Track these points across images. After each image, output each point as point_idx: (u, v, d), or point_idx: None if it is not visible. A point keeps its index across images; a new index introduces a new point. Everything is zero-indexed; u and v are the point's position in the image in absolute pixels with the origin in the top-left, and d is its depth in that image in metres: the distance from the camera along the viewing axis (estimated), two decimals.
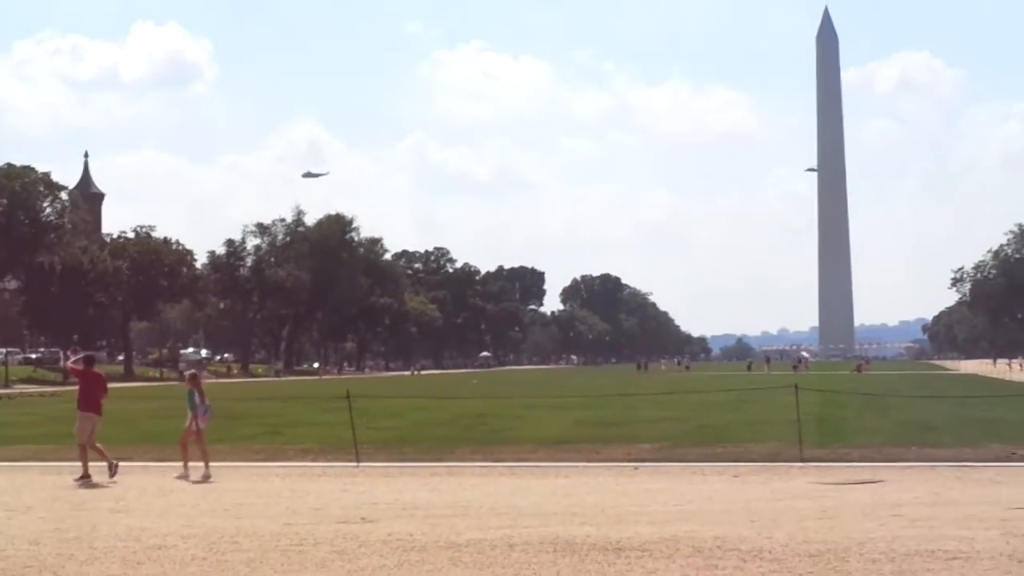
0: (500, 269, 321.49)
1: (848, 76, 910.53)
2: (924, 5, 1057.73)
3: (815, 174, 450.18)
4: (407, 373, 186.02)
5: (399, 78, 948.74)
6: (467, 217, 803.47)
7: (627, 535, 17.48)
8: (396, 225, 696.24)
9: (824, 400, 51.85)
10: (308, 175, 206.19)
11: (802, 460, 28.05)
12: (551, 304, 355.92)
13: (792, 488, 23.59)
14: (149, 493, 24.21)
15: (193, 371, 33.26)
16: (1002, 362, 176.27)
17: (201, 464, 28.04)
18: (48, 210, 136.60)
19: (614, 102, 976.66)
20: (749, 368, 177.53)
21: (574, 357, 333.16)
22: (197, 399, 29.00)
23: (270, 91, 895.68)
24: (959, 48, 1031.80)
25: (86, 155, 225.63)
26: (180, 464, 28.40)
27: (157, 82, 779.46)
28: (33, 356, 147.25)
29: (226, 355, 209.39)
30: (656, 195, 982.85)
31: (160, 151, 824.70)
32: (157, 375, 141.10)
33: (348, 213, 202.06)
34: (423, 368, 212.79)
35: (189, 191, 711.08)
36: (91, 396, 28.16)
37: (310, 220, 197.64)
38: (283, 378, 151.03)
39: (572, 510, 20.64)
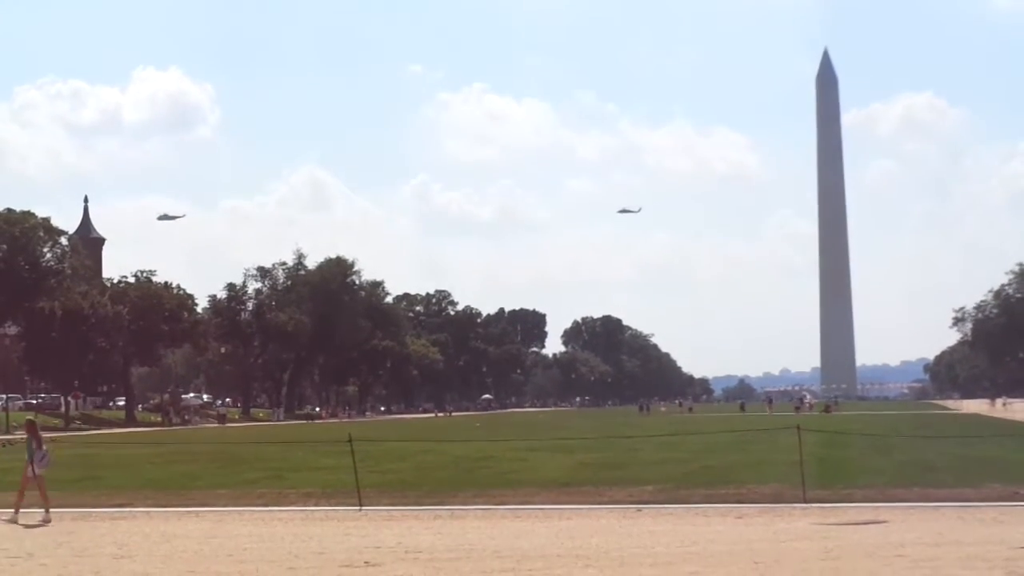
0: (501, 311, 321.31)
1: (850, 117, 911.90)
2: (926, 46, 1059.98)
3: (815, 218, 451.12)
4: (432, 415, 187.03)
5: (402, 120, 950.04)
6: (470, 258, 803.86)
7: None
8: (399, 267, 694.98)
9: (826, 441, 51.78)
10: (164, 217, 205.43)
11: (805, 501, 28.03)
12: (553, 346, 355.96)
13: (795, 529, 23.58)
14: (152, 539, 24.16)
15: (30, 418, 33.80)
16: (998, 401, 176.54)
17: (41, 510, 28.35)
18: (48, 255, 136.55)
19: (617, 143, 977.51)
20: (742, 409, 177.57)
21: (578, 399, 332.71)
22: (34, 446, 29.23)
23: (272, 135, 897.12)
24: (962, 88, 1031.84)
25: (86, 200, 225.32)
26: (12, 510, 28.45)
27: (159, 127, 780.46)
28: (34, 402, 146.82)
29: (227, 400, 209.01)
30: (658, 236, 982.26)
31: (162, 195, 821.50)
32: (158, 420, 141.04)
33: (350, 256, 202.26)
34: (453, 410, 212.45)
35: (190, 236, 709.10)
36: None
37: (312, 263, 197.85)
38: (285, 422, 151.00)
39: (576, 553, 20.63)
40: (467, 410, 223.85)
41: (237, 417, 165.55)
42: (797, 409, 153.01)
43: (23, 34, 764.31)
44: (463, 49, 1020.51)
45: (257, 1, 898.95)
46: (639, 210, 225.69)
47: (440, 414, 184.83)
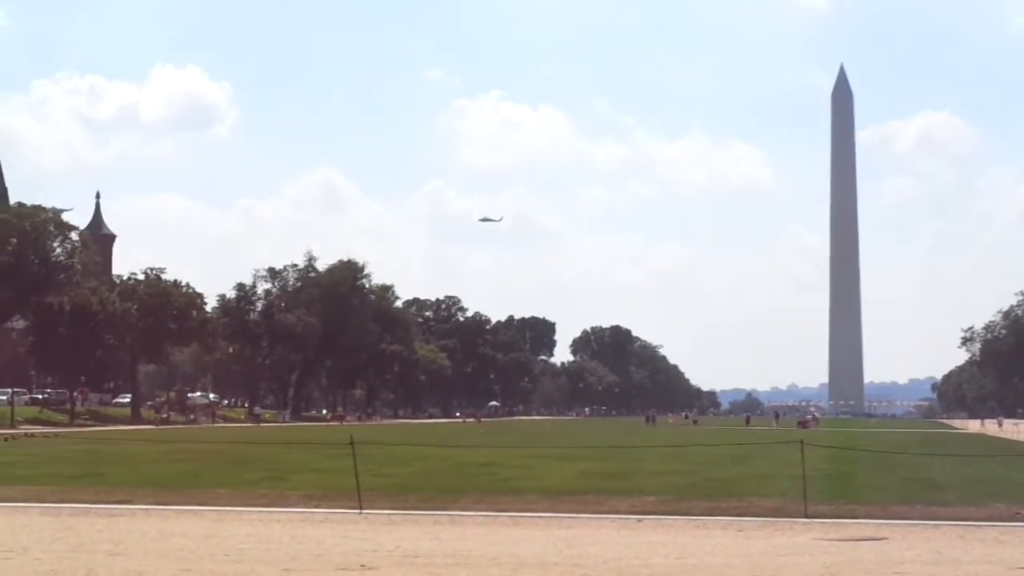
0: (511, 319, 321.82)
1: (867, 134, 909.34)
2: (946, 65, 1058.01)
3: (827, 233, 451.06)
4: (459, 419, 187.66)
5: (418, 126, 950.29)
6: (481, 265, 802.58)
7: None
8: (410, 272, 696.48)
9: (830, 456, 51.61)
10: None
11: (806, 516, 27.90)
12: (561, 355, 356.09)
13: (795, 543, 23.47)
14: (149, 536, 24.08)
15: None
16: (991, 422, 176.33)
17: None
18: (58, 250, 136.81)
19: (632, 153, 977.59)
20: (747, 422, 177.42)
21: (587, 409, 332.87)
22: None
23: (288, 136, 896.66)
24: (979, 108, 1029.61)
25: (97, 196, 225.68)
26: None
27: (175, 124, 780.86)
28: (40, 397, 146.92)
29: (232, 400, 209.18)
30: (670, 247, 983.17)
31: (176, 193, 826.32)
32: (164, 417, 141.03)
33: (360, 259, 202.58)
34: (484, 415, 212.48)
35: (203, 234, 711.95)
36: None
37: (323, 266, 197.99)
38: (290, 423, 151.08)
39: (574, 561, 20.55)
40: (492, 415, 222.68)
41: (242, 417, 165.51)
42: (803, 425, 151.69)
43: (41, 29, 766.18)
44: (481, 56, 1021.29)
45: (278, 2, 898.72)
46: (500, 219, 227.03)
47: (470, 420, 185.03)
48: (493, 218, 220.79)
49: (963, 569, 19.82)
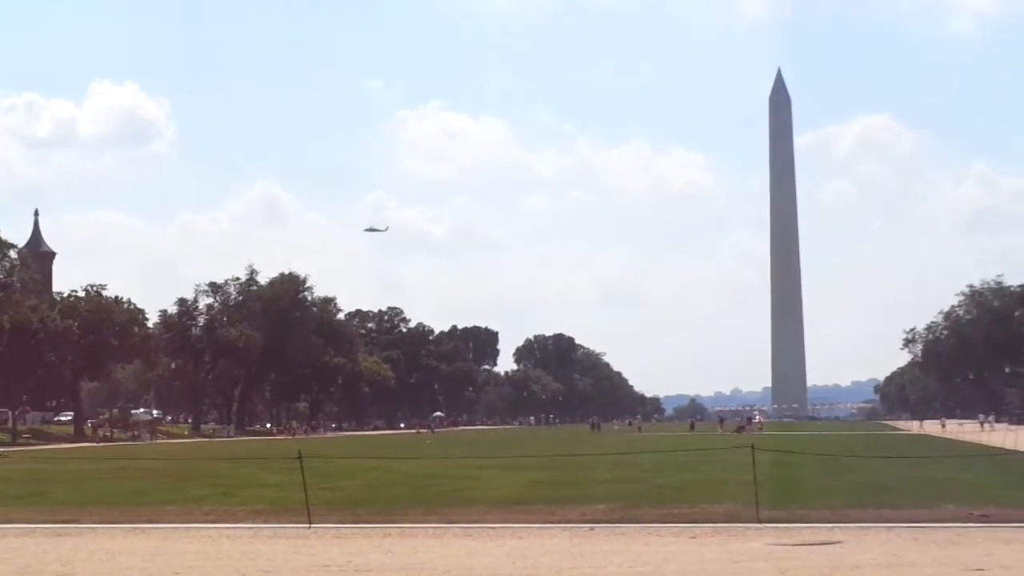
0: (454, 329, 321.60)
1: (806, 138, 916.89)
2: (883, 69, 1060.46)
3: (768, 238, 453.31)
4: (413, 431, 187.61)
5: (359, 137, 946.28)
6: (424, 276, 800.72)
7: None
8: (353, 284, 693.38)
9: (779, 461, 51.71)
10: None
11: (759, 521, 27.84)
12: (505, 364, 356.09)
13: (749, 550, 23.38)
14: (96, 556, 23.75)
15: None
16: (930, 423, 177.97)
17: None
18: None
19: (573, 162, 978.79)
20: (692, 428, 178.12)
21: (532, 418, 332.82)
22: None
23: (228, 150, 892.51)
24: (917, 111, 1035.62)
25: (36, 213, 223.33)
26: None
27: (114, 141, 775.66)
28: None
29: (176, 416, 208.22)
30: (613, 255, 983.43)
31: (115, 209, 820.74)
32: (109, 435, 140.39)
33: (302, 272, 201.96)
34: (436, 426, 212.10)
35: (144, 250, 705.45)
36: None
37: (265, 279, 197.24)
38: (234, 438, 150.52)
39: (527, 572, 20.41)
40: (440, 426, 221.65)
41: (186, 433, 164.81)
42: (741, 429, 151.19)
43: None
44: (422, 67, 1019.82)
45: (215, 17, 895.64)
46: (386, 229, 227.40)
47: (423, 431, 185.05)
48: (379, 228, 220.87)
49: (919, 571, 19.80)
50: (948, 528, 26.47)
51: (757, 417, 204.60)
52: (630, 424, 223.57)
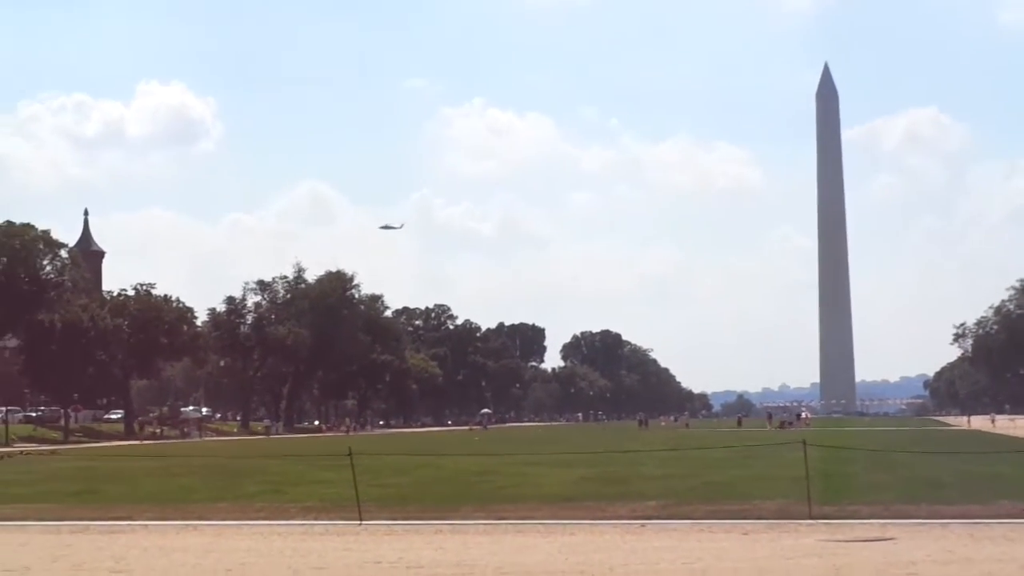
0: (501, 326, 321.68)
1: (853, 132, 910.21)
2: (931, 62, 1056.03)
3: (815, 233, 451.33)
4: (466, 428, 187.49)
5: (404, 135, 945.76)
6: (470, 273, 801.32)
7: None
8: (399, 282, 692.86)
9: (829, 456, 51.44)
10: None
11: (811, 517, 27.68)
12: (552, 360, 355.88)
13: (802, 546, 23.26)
14: (149, 553, 23.83)
15: None
16: (979, 419, 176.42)
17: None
18: (48, 268, 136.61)
19: (619, 157, 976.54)
20: (739, 424, 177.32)
21: (579, 415, 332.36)
22: None
23: (274, 149, 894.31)
24: (966, 104, 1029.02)
25: (86, 213, 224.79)
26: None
27: (162, 140, 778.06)
28: (33, 414, 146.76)
29: (225, 413, 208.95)
30: (659, 250, 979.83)
31: (164, 208, 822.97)
32: (159, 432, 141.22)
33: (349, 270, 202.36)
34: (487, 423, 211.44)
35: (192, 249, 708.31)
36: None
37: (312, 277, 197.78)
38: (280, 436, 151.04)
39: (579, 568, 20.34)
40: (488, 423, 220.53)
41: (235, 430, 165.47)
42: (790, 425, 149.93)
43: (26, 49, 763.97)
44: (465, 64, 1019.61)
45: (261, 16, 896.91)
46: (401, 226, 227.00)
47: (476, 427, 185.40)
48: (394, 225, 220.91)
49: (976, 568, 19.63)
50: (1003, 524, 26.26)
51: (804, 413, 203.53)
52: (675, 420, 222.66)
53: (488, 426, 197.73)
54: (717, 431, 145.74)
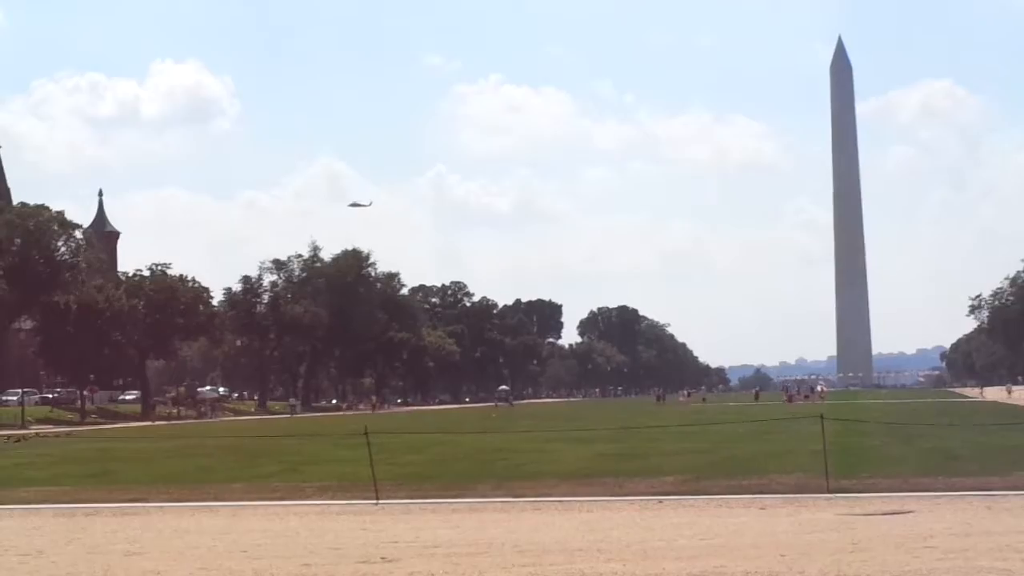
0: (518, 302, 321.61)
1: (868, 105, 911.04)
2: (947, 34, 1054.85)
3: (831, 206, 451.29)
4: (491, 405, 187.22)
5: (419, 112, 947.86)
6: (487, 250, 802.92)
7: (654, 571, 17.09)
8: (415, 259, 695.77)
9: (845, 429, 51.28)
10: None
11: (829, 491, 27.56)
12: (569, 336, 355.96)
13: (821, 520, 23.14)
14: (165, 535, 23.72)
15: None
16: (992, 390, 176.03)
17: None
18: (63, 249, 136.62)
19: (635, 132, 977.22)
20: (756, 398, 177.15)
21: (596, 390, 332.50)
22: None
23: (290, 127, 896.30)
24: (981, 75, 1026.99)
25: (100, 193, 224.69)
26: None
27: (177, 119, 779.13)
28: (50, 396, 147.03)
29: (242, 393, 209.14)
30: (675, 225, 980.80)
31: (179, 188, 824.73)
32: (175, 413, 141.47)
33: (365, 248, 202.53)
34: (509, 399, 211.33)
35: (208, 228, 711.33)
36: None
37: (328, 255, 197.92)
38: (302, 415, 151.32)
39: (597, 546, 20.19)
40: (506, 400, 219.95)
41: (252, 410, 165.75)
42: (801, 397, 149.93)
43: (40, 28, 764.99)
44: (480, 40, 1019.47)
45: None
46: (370, 204, 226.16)
47: (501, 404, 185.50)
48: (363, 203, 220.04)
49: (994, 540, 19.46)
50: (1021, 496, 26.13)
51: (820, 387, 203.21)
52: (688, 395, 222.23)
53: (513, 403, 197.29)
54: (734, 405, 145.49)
